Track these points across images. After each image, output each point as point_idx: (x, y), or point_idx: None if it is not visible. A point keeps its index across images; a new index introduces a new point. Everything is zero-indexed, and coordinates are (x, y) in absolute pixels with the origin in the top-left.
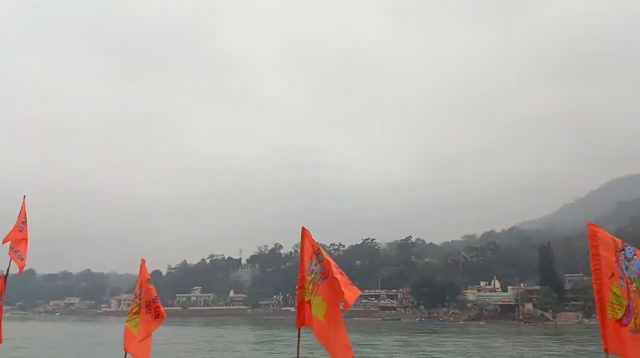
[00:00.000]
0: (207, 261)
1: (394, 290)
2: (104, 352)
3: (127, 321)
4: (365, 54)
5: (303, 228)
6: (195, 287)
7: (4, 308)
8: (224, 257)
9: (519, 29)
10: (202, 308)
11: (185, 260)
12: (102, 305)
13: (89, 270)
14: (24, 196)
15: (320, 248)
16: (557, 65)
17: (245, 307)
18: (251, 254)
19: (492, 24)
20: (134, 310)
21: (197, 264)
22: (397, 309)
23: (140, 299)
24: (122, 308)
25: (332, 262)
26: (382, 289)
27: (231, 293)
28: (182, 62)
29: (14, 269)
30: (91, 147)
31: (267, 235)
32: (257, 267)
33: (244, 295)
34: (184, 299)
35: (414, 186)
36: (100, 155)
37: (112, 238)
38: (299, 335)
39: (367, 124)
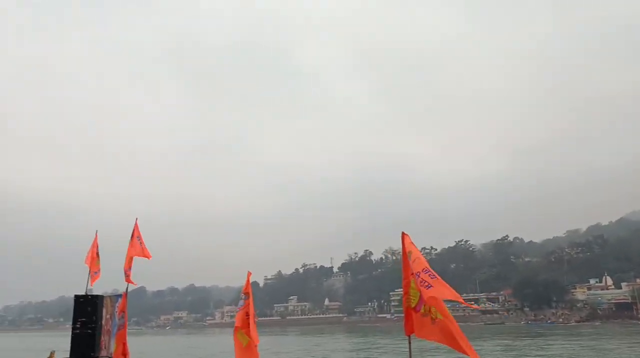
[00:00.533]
0: (301, 271)
1: (494, 293)
2: None
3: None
4: (436, 49)
5: (403, 234)
6: (291, 297)
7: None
8: (316, 266)
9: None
10: (299, 317)
11: (279, 271)
12: (207, 318)
13: (192, 284)
14: (136, 218)
15: (413, 251)
16: None
17: (341, 315)
18: (342, 262)
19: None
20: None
21: (292, 274)
22: (500, 312)
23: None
24: (225, 320)
25: (423, 265)
26: (481, 292)
27: (326, 302)
28: (258, 78)
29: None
30: (181, 168)
31: (354, 241)
32: (348, 274)
33: (339, 303)
34: (282, 309)
35: (498, 180)
36: (191, 174)
37: (210, 253)
38: (409, 342)
39: (441, 121)
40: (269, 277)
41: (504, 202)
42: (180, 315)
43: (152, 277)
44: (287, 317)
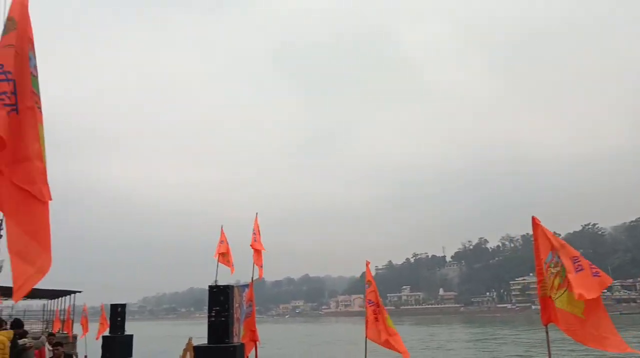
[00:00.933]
0: (412, 260)
1: (630, 280)
2: (331, 349)
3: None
4: (558, 25)
5: (533, 219)
6: (404, 286)
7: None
8: (427, 255)
9: None
10: (414, 307)
11: (390, 261)
12: (323, 307)
13: (307, 275)
14: (256, 213)
15: (553, 240)
16: None
17: (457, 305)
18: (455, 251)
19: None
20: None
21: (402, 264)
22: (637, 301)
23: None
24: (340, 309)
25: (570, 253)
26: (615, 280)
27: (441, 292)
28: (362, 69)
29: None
30: (292, 163)
31: (466, 230)
32: (463, 263)
33: (454, 293)
34: (395, 299)
35: (633, 154)
36: (301, 169)
37: (321, 245)
38: (547, 332)
39: (561, 98)
40: (379, 267)
41: (636, 180)
42: (297, 304)
43: (269, 268)
44: (401, 307)
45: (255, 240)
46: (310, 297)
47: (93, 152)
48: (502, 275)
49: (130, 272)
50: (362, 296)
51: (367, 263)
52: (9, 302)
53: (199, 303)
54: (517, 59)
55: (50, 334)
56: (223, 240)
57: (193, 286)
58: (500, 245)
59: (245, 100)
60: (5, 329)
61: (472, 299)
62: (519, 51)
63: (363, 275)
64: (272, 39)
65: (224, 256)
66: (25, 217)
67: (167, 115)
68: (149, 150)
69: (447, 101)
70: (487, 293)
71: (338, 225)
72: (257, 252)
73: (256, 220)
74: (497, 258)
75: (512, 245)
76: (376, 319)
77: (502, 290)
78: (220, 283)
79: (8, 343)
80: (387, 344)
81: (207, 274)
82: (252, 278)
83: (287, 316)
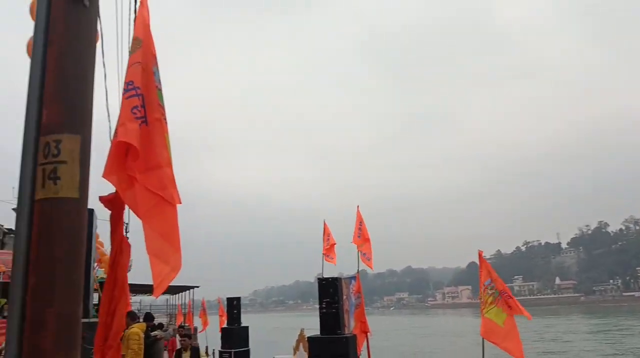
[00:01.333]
0: (523, 248)
1: None
2: (439, 341)
3: (485, 312)
4: None
5: (479, 253)
6: (515, 276)
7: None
8: (540, 243)
9: None
10: (527, 297)
11: (498, 250)
12: (429, 299)
13: (410, 266)
14: (357, 206)
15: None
16: None
17: (577, 295)
18: (572, 236)
19: None
20: (488, 301)
21: (513, 253)
22: None
23: (492, 289)
24: (446, 301)
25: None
26: None
27: (557, 281)
28: (457, 51)
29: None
30: (388, 152)
31: (581, 212)
32: (581, 250)
33: (573, 282)
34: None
35: None
36: (398, 157)
37: (423, 234)
38: None
39: None
40: (487, 256)
41: None
42: (402, 296)
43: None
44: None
45: (359, 233)
46: (415, 288)
47: (203, 156)
48: (627, 261)
49: (241, 268)
50: (469, 287)
51: (480, 253)
52: (136, 298)
53: (305, 295)
54: (626, 28)
55: (181, 326)
56: (329, 234)
57: (298, 279)
58: (624, 228)
59: (337, 93)
60: (139, 322)
61: (594, 288)
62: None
63: (470, 265)
64: (359, 31)
65: (329, 248)
66: (158, 221)
67: (266, 116)
68: (251, 152)
69: (551, 74)
70: (611, 281)
71: (437, 214)
72: (366, 243)
73: (358, 212)
74: (620, 243)
75: (638, 227)
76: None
77: (628, 278)
78: (324, 276)
79: (142, 335)
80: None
81: (311, 268)
82: (358, 270)
83: (392, 308)
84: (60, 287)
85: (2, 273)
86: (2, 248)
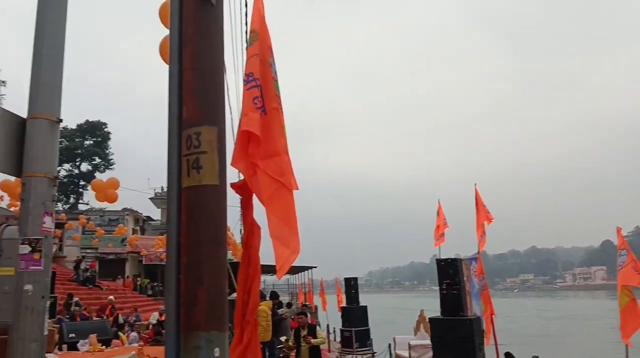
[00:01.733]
0: None
1: None
2: (568, 324)
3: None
4: None
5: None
6: None
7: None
8: None
9: None
10: None
11: (638, 226)
12: (558, 280)
13: (534, 246)
14: (475, 184)
15: None
16: None
17: None
18: None
19: None
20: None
21: None
22: None
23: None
24: (578, 282)
25: None
26: None
27: None
28: (580, 21)
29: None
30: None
31: None
32: None
33: None
34: None
35: None
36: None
37: (548, 212)
38: None
39: None
40: (624, 234)
41: None
42: (526, 277)
43: (491, 240)
44: None
45: (480, 212)
46: (541, 270)
47: (321, 138)
48: None
49: (356, 249)
50: (604, 267)
51: (619, 230)
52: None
53: (420, 276)
54: None
55: (304, 305)
56: (440, 214)
57: (413, 260)
58: None
59: (446, 70)
60: (266, 300)
61: None
62: None
63: (604, 243)
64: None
65: (440, 229)
66: (278, 205)
67: (376, 98)
68: (366, 134)
69: None
70: None
71: (564, 190)
72: (481, 225)
73: (476, 191)
74: None
75: None
76: None
77: None
78: (441, 257)
79: (269, 312)
80: None
81: (425, 249)
82: (479, 251)
83: (515, 290)
84: (207, 266)
85: (143, 256)
86: (142, 234)
